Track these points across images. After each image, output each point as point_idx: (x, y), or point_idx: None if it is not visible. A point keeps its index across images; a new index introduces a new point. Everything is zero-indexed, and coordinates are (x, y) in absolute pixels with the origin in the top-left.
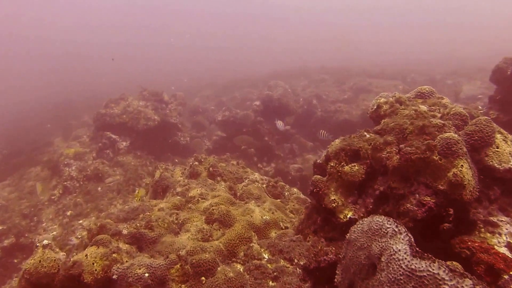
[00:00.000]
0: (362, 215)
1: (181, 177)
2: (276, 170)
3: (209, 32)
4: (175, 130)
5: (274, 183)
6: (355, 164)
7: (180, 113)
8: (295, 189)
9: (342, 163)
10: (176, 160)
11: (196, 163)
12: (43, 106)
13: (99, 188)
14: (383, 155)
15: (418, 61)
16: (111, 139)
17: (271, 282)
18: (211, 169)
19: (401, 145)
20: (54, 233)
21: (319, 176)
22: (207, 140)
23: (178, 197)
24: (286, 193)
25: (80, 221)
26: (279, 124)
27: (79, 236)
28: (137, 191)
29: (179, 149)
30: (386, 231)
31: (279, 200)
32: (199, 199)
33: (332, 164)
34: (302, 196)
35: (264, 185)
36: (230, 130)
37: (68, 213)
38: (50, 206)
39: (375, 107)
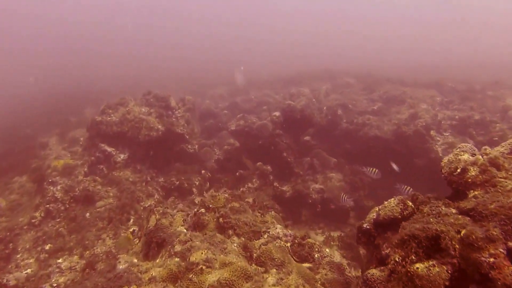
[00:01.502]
0: None
1: (182, 226)
2: (294, 191)
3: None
4: (181, 141)
5: (300, 240)
6: (433, 262)
7: (188, 121)
8: (327, 250)
9: (412, 257)
10: (183, 178)
11: (202, 210)
12: (46, 98)
13: (87, 214)
14: (483, 259)
15: (448, 64)
16: (106, 152)
17: None
18: (221, 220)
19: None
20: (28, 271)
21: (376, 272)
22: (217, 149)
23: (176, 259)
24: (316, 255)
25: (60, 260)
26: (372, 172)
27: (55, 284)
28: (126, 234)
29: (186, 159)
30: None
31: (307, 264)
32: (204, 267)
33: (396, 259)
34: (336, 259)
35: (288, 244)
36: (244, 140)
37: (47, 247)
38: (30, 231)
39: (458, 169)
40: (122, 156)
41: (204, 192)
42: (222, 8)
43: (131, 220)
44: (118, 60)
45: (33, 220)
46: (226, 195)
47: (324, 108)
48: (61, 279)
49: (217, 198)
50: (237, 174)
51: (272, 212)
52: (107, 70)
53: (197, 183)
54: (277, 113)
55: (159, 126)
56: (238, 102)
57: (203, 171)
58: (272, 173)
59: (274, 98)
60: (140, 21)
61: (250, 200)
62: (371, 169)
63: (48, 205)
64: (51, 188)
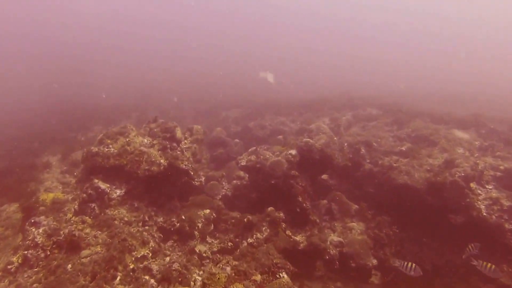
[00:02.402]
0: None
1: None
2: (309, 243)
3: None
4: (185, 177)
5: None
6: None
7: (195, 153)
8: None
9: None
10: (184, 218)
11: None
12: (58, 108)
13: (69, 266)
14: None
15: (484, 96)
16: (99, 189)
17: None
18: None
19: None
20: None
21: None
22: (226, 182)
23: None
24: None
25: None
26: (408, 267)
27: None
28: None
29: (190, 194)
30: None
31: None
32: None
33: None
34: None
35: None
36: (255, 177)
37: None
38: (4, 280)
39: None
40: (118, 192)
41: (207, 237)
42: (240, 25)
43: (118, 278)
44: (134, 72)
45: (9, 266)
46: (228, 270)
47: (345, 144)
48: None
49: (217, 277)
50: (245, 220)
51: (284, 274)
52: (121, 82)
53: (200, 225)
54: (293, 151)
55: (162, 160)
56: (252, 127)
57: (207, 211)
58: (284, 220)
59: (290, 127)
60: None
61: (258, 278)
62: (408, 263)
63: (26, 252)
64: (33, 230)
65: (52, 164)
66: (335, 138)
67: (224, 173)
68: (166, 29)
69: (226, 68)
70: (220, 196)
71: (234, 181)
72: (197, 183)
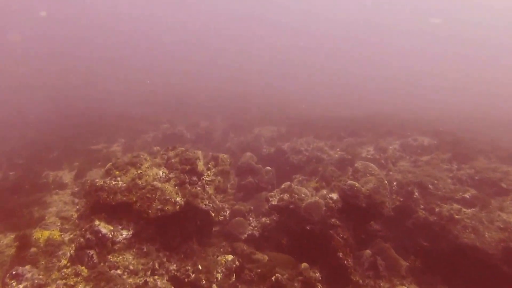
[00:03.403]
0: None
1: None
2: None
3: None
4: (205, 217)
5: None
6: None
7: (219, 188)
8: None
9: None
10: (200, 268)
11: None
12: (89, 114)
13: None
14: None
15: None
16: (100, 234)
17: None
18: None
19: None
20: None
21: None
22: (253, 217)
23: None
24: None
25: None
26: None
27: None
28: None
29: (211, 231)
30: None
31: None
32: None
33: None
34: None
35: None
36: (287, 220)
37: None
38: None
39: None
40: (124, 233)
41: None
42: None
43: None
44: (170, 78)
45: None
46: None
47: (394, 184)
48: None
49: None
50: (273, 279)
51: None
52: (154, 88)
53: (219, 276)
54: (334, 196)
55: (178, 199)
56: (286, 150)
57: (229, 257)
58: (320, 281)
59: (328, 154)
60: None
61: None
62: None
63: None
64: (13, 283)
65: (65, 183)
66: (386, 182)
67: (252, 207)
68: (206, 37)
69: (264, 80)
70: (245, 235)
71: (263, 219)
72: (220, 218)
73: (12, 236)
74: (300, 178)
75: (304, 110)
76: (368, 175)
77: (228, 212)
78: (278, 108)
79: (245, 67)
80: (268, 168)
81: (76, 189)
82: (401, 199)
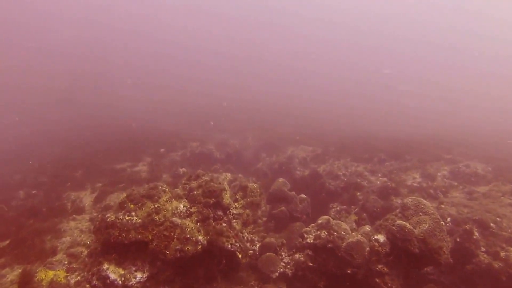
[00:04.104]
0: None
1: None
2: None
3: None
4: (231, 257)
5: None
6: None
7: (247, 222)
8: None
9: None
10: None
11: None
12: (119, 131)
13: None
14: None
15: None
16: (108, 280)
17: None
18: None
19: None
20: None
21: None
22: (286, 252)
23: None
24: None
25: None
26: None
27: None
28: None
29: (238, 267)
30: None
31: None
32: None
33: None
34: None
35: None
36: (325, 261)
37: None
38: None
39: None
40: (138, 276)
41: None
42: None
43: None
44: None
45: None
46: None
47: (448, 220)
48: None
49: None
50: None
51: None
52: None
53: None
54: (380, 237)
55: (200, 237)
56: (322, 174)
57: None
58: None
59: (369, 180)
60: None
61: None
62: None
63: None
64: None
65: (84, 207)
66: (443, 223)
67: (284, 240)
68: (246, 47)
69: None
70: (277, 274)
71: (297, 255)
72: (249, 253)
73: (19, 271)
74: (338, 208)
75: (343, 126)
76: (420, 213)
77: (258, 245)
78: (313, 125)
79: (275, 79)
80: (303, 196)
81: (95, 214)
82: (458, 239)
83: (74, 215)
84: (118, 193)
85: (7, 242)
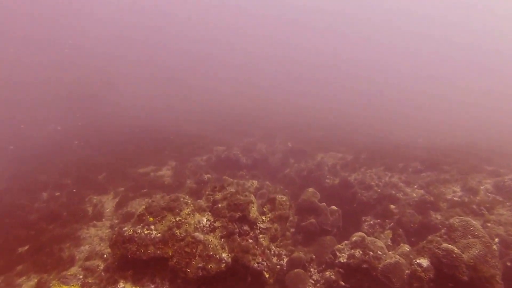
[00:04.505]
0: None
1: None
2: None
3: None
4: (257, 277)
5: None
6: None
7: (275, 237)
8: None
9: None
10: None
11: None
12: (144, 135)
13: None
14: None
15: None
16: None
17: None
18: None
19: None
20: None
21: None
22: (315, 269)
23: None
24: None
25: None
26: None
27: None
28: None
29: (265, 284)
30: None
31: None
32: None
33: None
34: None
35: None
36: (360, 283)
37: None
38: None
39: None
40: None
41: None
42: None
43: None
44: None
45: None
46: None
47: (496, 241)
48: None
49: None
50: None
51: None
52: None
53: None
54: (423, 262)
55: (224, 255)
56: (353, 183)
57: None
58: None
59: (404, 192)
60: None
61: None
62: None
63: None
64: None
65: (105, 213)
66: (495, 247)
67: (313, 256)
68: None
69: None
70: None
71: (328, 272)
72: (275, 263)
73: (35, 281)
74: (371, 222)
75: (375, 131)
76: (469, 236)
77: (285, 260)
78: (343, 131)
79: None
80: (334, 207)
81: (115, 221)
82: (508, 263)
83: (94, 221)
84: (139, 200)
85: (27, 247)
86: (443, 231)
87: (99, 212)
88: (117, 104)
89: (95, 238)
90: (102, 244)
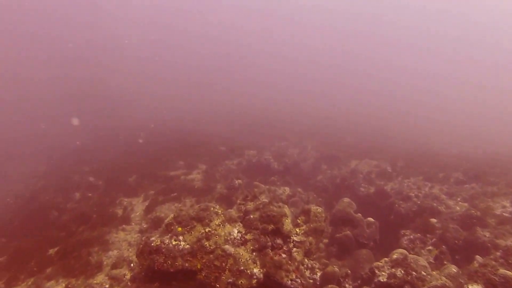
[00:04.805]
0: None
1: None
2: None
3: None
4: None
5: None
6: None
7: (309, 252)
8: None
9: None
10: None
11: None
12: (179, 136)
13: None
14: None
15: None
16: None
17: None
18: None
19: None
20: None
21: None
22: (350, 285)
23: None
24: None
25: None
26: None
27: None
28: None
29: None
30: None
31: None
32: None
33: None
34: None
35: None
36: None
37: None
38: None
39: None
40: None
41: None
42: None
43: None
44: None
45: None
46: None
47: None
48: None
49: None
50: None
51: None
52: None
53: None
54: None
55: (255, 270)
56: (390, 193)
57: None
58: None
59: (447, 205)
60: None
61: None
62: None
63: None
64: None
65: (134, 216)
66: None
67: (348, 270)
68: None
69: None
70: None
71: None
72: (309, 281)
73: (63, 285)
74: (411, 236)
75: (412, 137)
76: None
77: (318, 274)
78: (374, 136)
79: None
80: (371, 219)
81: (144, 226)
82: None
83: (124, 225)
84: (169, 204)
85: (56, 249)
86: (498, 253)
87: (128, 215)
88: (147, 107)
89: (124, 243)
90: (130, 250)
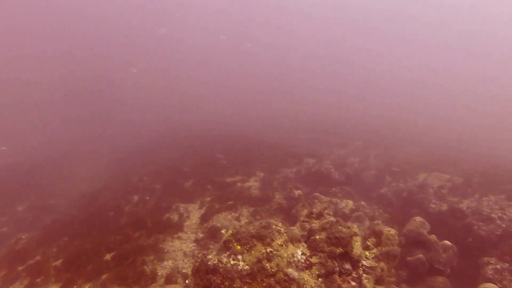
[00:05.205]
0: None
1: None
2: None
3: None
4: None
5: None
6: None
7: (380, 280)
8: None
9: None
10: None
11: None
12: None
13: None
14: None
15: None
16: None
17: None
18: None
19: None
20: None
21: None
22: None
23: None
24: None
25: None
26: None
27: None
28: None
29: None
30: None
31: None
32: None
33: None
34: None
35: None
36: None
37: None
38: None
39: None
40: None
41: None
42: None
43: None
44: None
45: None
46: None
47: None
48: None
49: None
50: None
51: None
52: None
53: None
54: None
55: None
56: (466, 213)
57: None
58: None
59: None
60: None
61: None
62: None
63: None
64: None
65: (190, 225)
66: None
67: None
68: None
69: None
70: None
71: None
72: None
73: None
74: (497, 266)
75: (487, 150)
76: None
77: None
78: (439, 147)
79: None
80: (448, 243)
81: (200, 235)
82: None
83: (179, 233)
84: (225, 213)
85: (113, 254)
86: None
87: (184, 222)
88: (207, 112)
89: (179, 253)
90: (185, 261)
